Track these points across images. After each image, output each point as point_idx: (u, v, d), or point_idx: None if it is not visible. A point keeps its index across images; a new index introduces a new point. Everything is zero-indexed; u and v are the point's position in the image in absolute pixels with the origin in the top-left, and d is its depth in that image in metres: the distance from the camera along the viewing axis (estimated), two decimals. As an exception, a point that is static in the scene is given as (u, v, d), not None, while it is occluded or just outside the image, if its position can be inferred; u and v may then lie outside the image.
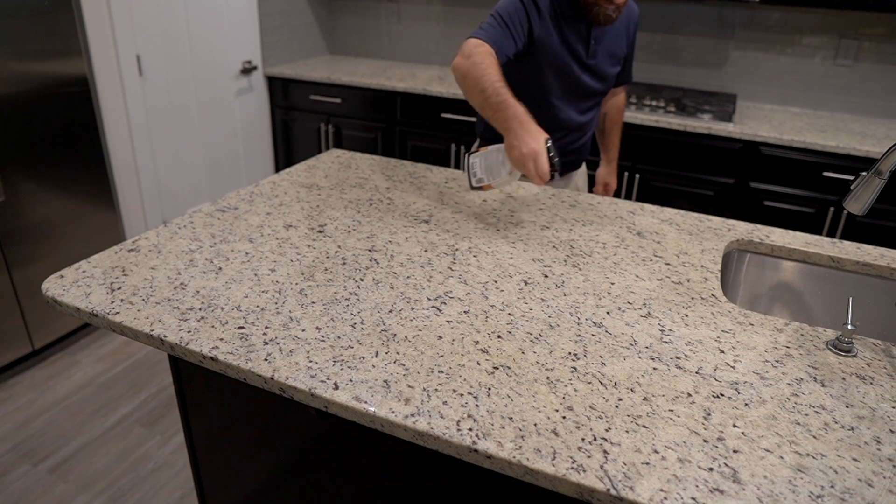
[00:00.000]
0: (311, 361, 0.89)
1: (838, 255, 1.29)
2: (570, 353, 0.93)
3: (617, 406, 0.82)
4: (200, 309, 1.00)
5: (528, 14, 1.51)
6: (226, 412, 1.20)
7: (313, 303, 1.03)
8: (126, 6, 2.48)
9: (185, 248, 1.20)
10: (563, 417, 0.80)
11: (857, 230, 2.40)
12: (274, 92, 3.36)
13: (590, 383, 0.87)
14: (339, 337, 0.94)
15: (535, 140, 1.26)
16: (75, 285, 1.06)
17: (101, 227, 2.46)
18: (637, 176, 2.66)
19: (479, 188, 1.42)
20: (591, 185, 2.06)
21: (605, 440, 0.77)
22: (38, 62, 2.11)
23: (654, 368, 0.90)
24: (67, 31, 2.19)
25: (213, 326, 0.95)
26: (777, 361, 0.94)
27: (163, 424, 2.07)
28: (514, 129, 1.29)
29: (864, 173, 1.07)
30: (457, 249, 1.24)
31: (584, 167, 1.92)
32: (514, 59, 1.54)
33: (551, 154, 1.26)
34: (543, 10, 1.52)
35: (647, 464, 0.73)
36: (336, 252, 1.21)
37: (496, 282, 1.12)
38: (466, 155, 1.42)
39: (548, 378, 0.87)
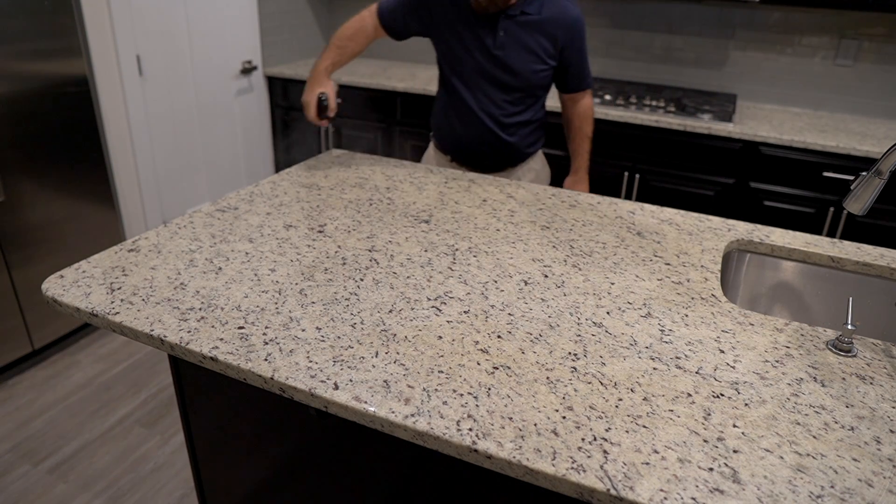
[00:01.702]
0: (311, 361, 0.89)
1: (838, 255, 1.29)
2: (570, 353, 0.93)
3: (617, 406, 0.82)
4: (200, 309, 1.00)
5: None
6: (226, 412, 1.20)
7: (313, 303, 1.03)
8: (126, 6, 2.48)
9: (185, 248, 1.20)
10: (563, 417, 0.80)
11: (857, 230, 2.40)
12: (274, 92, 3.36)
13: (590, 383, 0.87)
14: (339, 337, 0.94)
15: (310, 93, 1.62)
16: (75, 285, 1.06)
17: (101, 227, 2.46)
18: (637, 176, 2.66)
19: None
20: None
21: (605, 440, 0.77)
22: (38, 62, 2.11)
23: (654, 368, 0.90)
24: (67, 31, 2.19)
25: (213, 326, 0.95)
26: (777, 361, 0.94)
27: (163, 424, 2.07)
28: (307, 81, 1.66)
29: (864, 173, 1.07)
30: (457, 249, 1.24)
31: (531, 165, 1.88)
32: (426, 37, 1.75)
33: (323, 101, 1.61)
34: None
35: (647, 464, 0.73)
36: (336, 252, 1.21)
37: (496, 282, 1.12)
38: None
39: (548, 378, 0.87)
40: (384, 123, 3.12)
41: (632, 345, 0.96)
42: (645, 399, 0.84)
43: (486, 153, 1.80)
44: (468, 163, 1.85)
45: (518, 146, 1.80)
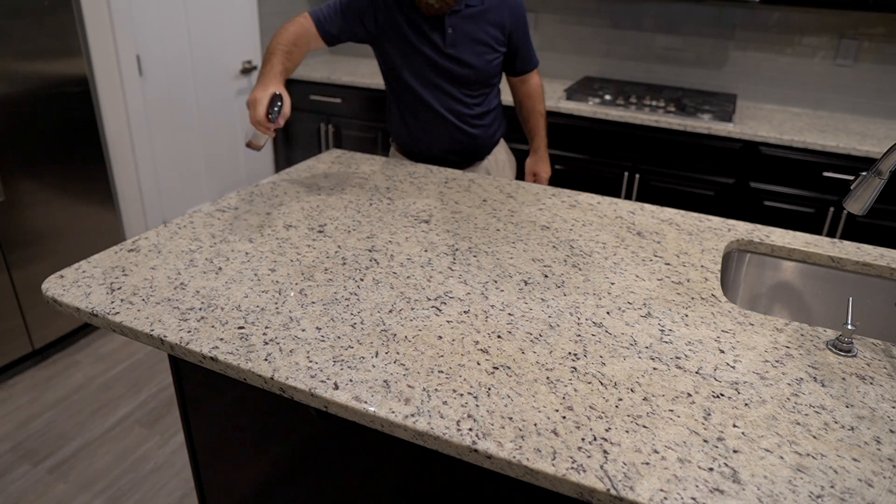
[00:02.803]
0: (311, 361, 0.89)
1: (838, 255, 1.29)
2: (570, 353, 0.93)
3: (617, 406, 0.82)
4: (200, 309, 1.00)
5: (373, 4, 1.62)
6: (226, 412, 1.20)
7: (313, 303, 1.03)
8: (126, 6, 2.48)
9: (185, 248, 1.20)
10: (563, 417, 0.80)
11: (857, 230, 2.40)
12: (274, 92, 3.36)
13: (590, 383, 0.87)
14: (339, 337, 0.94)
15: (262, 90, 1.41)
16: (75, 285, 1.06)
17: (101, 227, 2.46)
18: (637, 176, 2.66)
19: (248, 146, 1.49)
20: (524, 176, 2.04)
21: (605, 440, 0.77)
22: (38, 62, 2.11)
23: (654, 368, 0.90)
24: (67, 31, 2.19)
25: (213, 326, 0.95)
26: (777, 361, 0.94)
27: (163, 424, 2.07)
28: (258, 80, 1.47)
29: (864, 173, 1.07)
30: (457, 249, 1.24)
31: (497, 156, 1.90)
32: (370, 44, 1.70)
33: (278, 102, 1.39)
34: (388, 2, 1.62)
35: (647, 464, 0.73)
36: (336, 252, 1.21)
37: (496, 282, 1.12)
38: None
39: (548, 378, 0.87)
40: (384, 123, 3.12)
41: (632, 345, 0.96)
42: (645, 399, 0.84)
43: (454, 150, 1.81)
44: (436, 164, 1.85)
45: (483, 137, 1.82)
